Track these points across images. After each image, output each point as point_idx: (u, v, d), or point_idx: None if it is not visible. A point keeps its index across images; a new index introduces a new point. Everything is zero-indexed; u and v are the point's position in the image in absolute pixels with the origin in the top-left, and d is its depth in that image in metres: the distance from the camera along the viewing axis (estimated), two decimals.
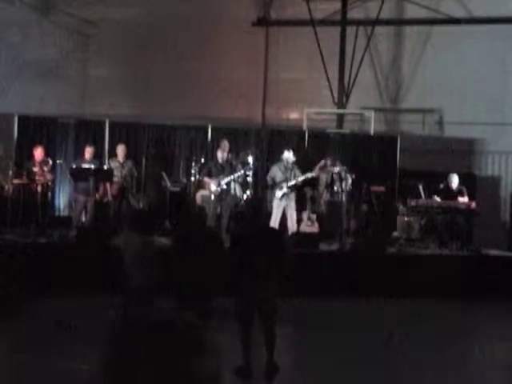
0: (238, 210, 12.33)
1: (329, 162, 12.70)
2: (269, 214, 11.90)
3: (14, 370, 6.84)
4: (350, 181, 12.49)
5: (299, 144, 14.06)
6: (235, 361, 6.77)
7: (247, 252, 6.68)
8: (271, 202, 12.48)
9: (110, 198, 12.18)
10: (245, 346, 6.68)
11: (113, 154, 12.84)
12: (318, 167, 12.69)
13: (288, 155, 12.28)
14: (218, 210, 12.10)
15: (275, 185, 12.17)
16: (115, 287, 7.30)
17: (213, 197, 12.04)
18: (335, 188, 12.63)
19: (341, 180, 12.40)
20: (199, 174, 12.80)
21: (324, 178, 12.74)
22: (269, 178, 12.33)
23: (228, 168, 12.19)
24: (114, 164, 12.40)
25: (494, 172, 15.23)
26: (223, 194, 12.08)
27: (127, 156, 12.57)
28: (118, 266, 7.27)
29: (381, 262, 11.30)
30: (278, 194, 12.08)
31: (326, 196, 12.71)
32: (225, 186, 12.06)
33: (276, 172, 12.23)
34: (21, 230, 11.32)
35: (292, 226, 12.03)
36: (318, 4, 15.35)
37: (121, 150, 12.50)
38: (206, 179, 12.24)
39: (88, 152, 12.41)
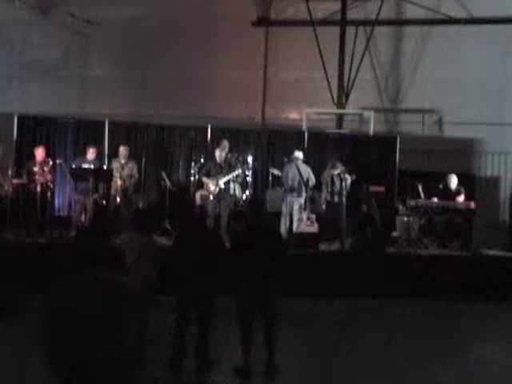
0: (237, 209, 12.34)
1: (330, 164, 12.73)
2: (268, 214, 11.91)
3: (14, 372, 6.85)
4: (349, 181, 12.50)
5: (299, 144, 14.08)
6: (235, 361, 6.78)
7: (247, 252, 6.68)
8: (271, 202, 12.51)
9: (109, 198, 12.22)
10: (245, 346, 6.69)
11: (113, 154, 12.87)
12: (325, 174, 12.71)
13: (298, 154, 12.36)
14: (218, 209, 12.11)
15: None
16: None
17: (212, 196, 12.06)
18: (335, 188, 12.62)
19: (341, 180, 12.41)
20: (199, 174, 12.81)
21: (325, 178, 12.74)
22: (286, 179, 12.32)
23: (227, 168, 12.20)
24: (115, 164, 12.41)
25: (493, 172, 15.23)
26: (222, 194, 12.09)
27: (129, 157, 12.58)
28: (118, 266, 7.27)
29: (381, 261, 11.32)
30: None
31: (326, 196, 12.70)
32: (224, 186, 12.08)
33: (292, 172, 12.26)
34: (21, 230, 11.33)
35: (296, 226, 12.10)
36: (317, 4, 15.35)
37: (122, 150, 12.52)
38: (206, 179, 12.26)
39: (91, 152, 12.45)
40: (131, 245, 7.21)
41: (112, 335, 1.37)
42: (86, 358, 1.35)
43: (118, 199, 12.28)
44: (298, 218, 12.08)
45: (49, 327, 1.39)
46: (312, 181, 12.27)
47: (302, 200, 12.17)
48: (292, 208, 12.14)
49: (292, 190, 12.17)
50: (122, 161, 12.44)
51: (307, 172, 12.26)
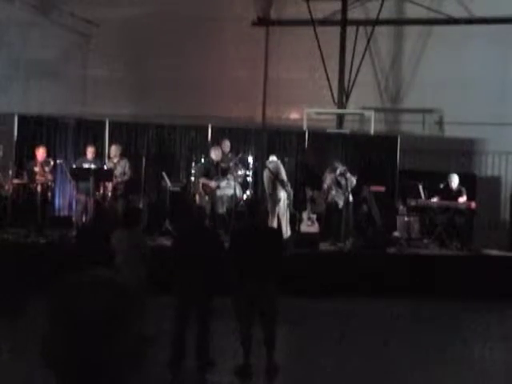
0: (237, 209, 12.33)
1: (329, 168, 12.75)
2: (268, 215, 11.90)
3: (15, 373, 6.85)
4: (353, 182, 12.47)
5: (299, 144, 14.08)
6: (235, 361, 6.78)
7: (247, 252, 6.68)
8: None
9: (107, 197, 12.23)
10: (245, 345, 6.68)
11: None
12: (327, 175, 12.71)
13: (272, 158, 12.41)
14: (218, 209, 12.10)
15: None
16: None
17: (212, 196, 12.04)
18: (340, 189, 12.60)
19: (346, 180, 12.37)
20: (199, 174, 12.80)
21: (328, 179, 12.71)
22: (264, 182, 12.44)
23: (228, 168, 12.20)
24: (109, 164, 12.48)
25: (493, 172, 15.23)
26: (223, 194, 12.08)
27: (122, 156, 12.60)
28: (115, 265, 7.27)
29: (381, 262, 11.31)
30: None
31: (330, 197, 12.68)
32: (224, 186, 12.06)
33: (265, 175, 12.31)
34: (21, 230, 11.32)
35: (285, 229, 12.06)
36: (317, 4, 15.35)
37: (113, 150, 12.60)
38: (206, 179, 12.24)
39: (90, 152, 12.48)
40: (121, 243, 7.20)
41: (112, 335, 1.36)
42: (85, 358, 1.35)
43: (115, 198, 12.29)
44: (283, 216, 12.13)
45: (49, 327, 1.39)
46: (284, 179, 12.24)
47: (282, 200, 12.16)
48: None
49: (269, 192, 12.22)
50: (115, 160, 12.50)
51: (280, 172, 12.25)
